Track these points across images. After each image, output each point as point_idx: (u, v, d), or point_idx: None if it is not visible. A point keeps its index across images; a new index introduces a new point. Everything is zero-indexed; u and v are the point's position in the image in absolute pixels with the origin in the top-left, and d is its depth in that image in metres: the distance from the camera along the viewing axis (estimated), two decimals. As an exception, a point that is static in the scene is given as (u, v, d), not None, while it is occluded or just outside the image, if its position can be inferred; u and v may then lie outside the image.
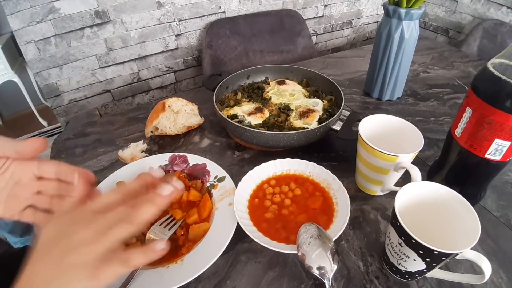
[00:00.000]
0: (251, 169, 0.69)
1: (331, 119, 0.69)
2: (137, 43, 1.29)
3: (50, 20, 1.08)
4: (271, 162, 0.63)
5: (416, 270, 0.47)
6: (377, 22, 1.89)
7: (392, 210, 0.47)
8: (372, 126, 0.63)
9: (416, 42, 0.82)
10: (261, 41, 1.35)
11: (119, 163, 0.72)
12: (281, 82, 0.85)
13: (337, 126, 0.70)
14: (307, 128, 0.71)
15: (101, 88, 1.31)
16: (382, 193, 0.65)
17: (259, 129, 0.69)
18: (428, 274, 0.49)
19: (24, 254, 0.31)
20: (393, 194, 0.64)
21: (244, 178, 0.60)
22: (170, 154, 0.68)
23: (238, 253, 0.55)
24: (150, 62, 1.36)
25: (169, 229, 0.54)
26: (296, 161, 0.64)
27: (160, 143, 0.77)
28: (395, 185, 0.62)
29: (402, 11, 0.78)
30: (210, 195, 0.61)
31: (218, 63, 1.28)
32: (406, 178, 0.57)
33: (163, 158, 0.68)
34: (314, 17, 1.64)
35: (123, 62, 1.30)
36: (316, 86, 0.85)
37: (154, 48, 1.34)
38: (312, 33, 1.65)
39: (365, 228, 0.59)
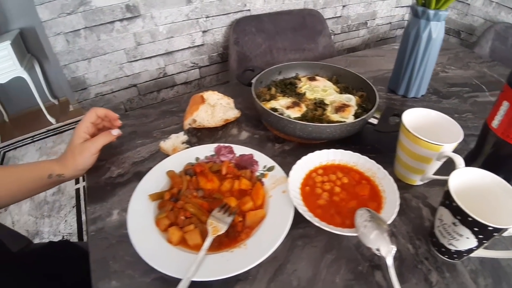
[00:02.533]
0: (293, 160, 0.73)
1: (370, 112, 0.74)
2: (165, 39, 1.32)
3: (80, 12, 1.10)
4: (317, 152, 0.68)
5: (466, 248, 0.53)
6: (390, 23, 2.01)
7: (446, 193, 0.53)
8: (413, 119, 0.69)
9: (441, 42, 0.89)
10: (284, 39, 1.42)
11: (160, 154, 0.75)
12: (312, 79, 0.90)
13: (373, 120, 0.76)
14: (344, 121, 0.76)
15: (128, 83, 1.34)
16: (421, 183, 0.70)
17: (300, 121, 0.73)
18: (473, 254, 0.55)
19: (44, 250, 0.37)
20: (431, 183, 0.70)
21: (294, 167, 0.64)
22: (215, 144, 0.72)
23: (294, 239, 0.59)
24: (177, 57, 1.39)
25: (228, 216, 0.58)
26: (340, 151, 0.69)
27: (199, 135, 0.80)
28: (434, 174, 0.68)
29: (431, 12, 0.85)
30: (262, 183, 0.64)
31: (244, 59, 1.33)
32: (441, 169, 0.63)
33: (209, 149, 0.71)
34: (333, 17, 1.72)
35: (150, 57, 1.33)
36: (345, 83, 0.91)
37: (181, 43, 1.38)
38: (330, 33, 1.73)
39: (409, 214, 0.64)
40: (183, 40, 1.37)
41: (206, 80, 1.53)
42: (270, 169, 0.67)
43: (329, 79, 0.93)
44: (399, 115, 0.78)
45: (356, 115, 0.79)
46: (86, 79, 1.23)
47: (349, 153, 0.69)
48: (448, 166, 0.63)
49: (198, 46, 1.41)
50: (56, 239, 1.56)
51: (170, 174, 0.65)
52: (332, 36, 1.79)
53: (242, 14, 1.45)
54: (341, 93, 0.88)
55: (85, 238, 1.54)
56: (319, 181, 0.65)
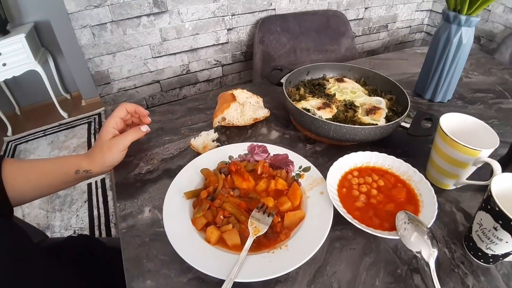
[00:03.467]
0: (325, 161, 0.74)
1: (403, 115, 0.75)
2: (190, 35, 1.32)
3: (108, 5, 1.09)
4: (353, 154, 0.68)
5: (503, 252, 0.54)
6: (410, 27, 2.02)
7: (487, 198, 0.53)
8: (449, 123, 0.69)
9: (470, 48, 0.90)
10: (308, 39, 1.42)
11: (189, 152, 0.75)
12: (340, 80, 0.91)
13: (405, 124, 0.76)
14: (376, 124, 0.77)
15: (151, 78, 1.33)
16: (453, 187, 0.71)
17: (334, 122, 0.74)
18: (508, 258, 0.55)
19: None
20: (463, 188, 0.70)
21: (331, 168, 0.65)
22: (249, 143, 0.72)
23: (332, 240, 0.59)
24: (201, 54, 1.39)
25: (267, 216, 0.58)
26: (376, 153, 0.69)
27: (228, 133, 0.80)
28: (467, 179, 0.69)
29: (463, 17, 0.85)
30: (298, 183, 0.64)
31: (269, 58, 1.33)
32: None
33: (242, 147, 0.71)
34: (355, 19, 1.73)
35: (175, 53, 1.32)
36: (374, 85, 0.91)
37: (205, 41, 1.38)
38: (353, 35, 1.74)
39: (443, 219, 0.65)
40: (208, 37, 1.38)
41: (228, 78, 1.53)
42: (306, 169, 0.67)
43: (357, 81, 0.93)
44: (431, 119, 0.78)
45: (387, 118, 0.79)
46: (110, 74, 1.22)
47: (384, 155, 0.69)
48: (477, 171, 0.65)
49: (222, 44, 1.42)
50: (67, 233, 1.56)
51: (205, 172, 0.65)
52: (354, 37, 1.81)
53: (267, 13, 1.46)
54: (369, 95, 0.88)
55: (96, 233, 1.53)
56: (355, 183, 0.65)
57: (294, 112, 0.76)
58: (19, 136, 2.28)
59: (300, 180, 0.65)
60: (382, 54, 1.25)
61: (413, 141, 0.79)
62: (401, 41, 2.08)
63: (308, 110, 0.78)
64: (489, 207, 0.53)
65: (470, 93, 1.03)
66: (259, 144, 0.72)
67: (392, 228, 0.58)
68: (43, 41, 2.32)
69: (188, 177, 0.65)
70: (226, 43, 1.42)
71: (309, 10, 1.58)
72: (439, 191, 0.70)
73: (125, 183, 0.69)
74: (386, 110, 0.81)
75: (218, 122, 0.80)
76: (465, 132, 0.70)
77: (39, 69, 2.10)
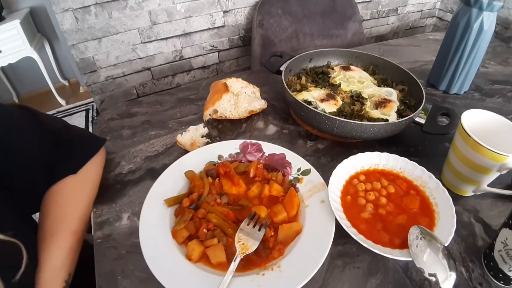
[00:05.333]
0: (328, 161, 0.62)
1: (417, 111, 0.62)
2: (183, 18, 1.15)
3: None
4: (359, 155, 0.56)
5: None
6: (421, 11, 1.83)
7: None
8: (472, 121, 0.57)
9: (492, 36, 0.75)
10: (312, 23, 1.25)
11: (176, 148, 0.64)
12: (346, 68, 0.77)
13: (420, 119, 0.63)
14: (386, 119, 0.64)
15: (141, 65, 1.18)
16: (472, 193, 0.59)
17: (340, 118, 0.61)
18: None
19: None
20: (483, 194, 0.58)
21: (335, 172, 0.53)
22: (241, 141, 0.60)
23: (333, 257, 0.48)
24: (195, 39, 1.23)
25: (259, 229, 0.47)
26: (386, 155, 0.57)
27: (220, 127, 0.68)
28: (489, 185, 0.57)
29: (485, 1, 0.71)
30: (296, 189, 0.53)
31: (269, 44, 1.17)
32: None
33: (233, 145, 0.59)
34: (363, 2, 1.54)
35: (166, 38, 1.16)
36: (384, 75, 0.78)
37: (200, 24, 1.21)
38: (361, 18, 1.55)
39: (460, 231, 0.53)
40: (202, 21, 1.20)
41: (225, 65, 1.37)
42: (305, 172, 0.55)
43: (365, 69, 0.79)
44: (448, 115, 0.66)
45: (398, 112, 0.66)
46: (96, 61, 1.07)
47: (395, 157, 0.57)
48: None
49: (218, 27, 1.25)
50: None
51: (189, 175, 0.54)
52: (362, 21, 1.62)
53: None
54: (379, 85, 0.75)
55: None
56: (362, 190, 0.54)
57: (294, 105, 0.63)
58: (17, 125, 2.13)
59: (298, 185, 0.54)
60: (392, 40, 1.09)
61: (428, 139, 0.67)
62: (411, 26, 1.88)
63: (309, 103, 0.65)
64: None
65: (487, 85, 0.89)
66: (253, 142, 0.60)
67: (404, 244, 0.47)
68: (39, 26, 2.16)
69: (171, 181, 0.54)
70: (222, 26, 1.25)
71: None
72: (456, 198, 0.59)
73: (104, 185, 0.58)
74: (398, 103, 0.69)
75: (209, 115, 0.68)
76: (488, 132, 0.57)
77: (35, 55, 1.96)
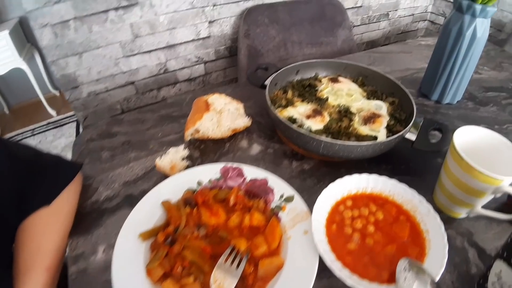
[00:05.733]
0: (314, 183, 0.58)
1: (407, 128, 0.58)
2: (166, 30, 1.10)
3: (69, 0, 0.88)
4: (346, 178, 0.52)
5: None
6: (413, 15, 1.78)
7: (509, 245, 0.38)
8: (465, 140, 0.52)
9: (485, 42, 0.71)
10: (301, 31, 1.20)
11: (156, 172, 0.60)
12: (334, 80, 0.73)
13: (410, 135, 0.59)
14: (375, 136, 0.60)
15: (124, 80, 1.12)
16: (465, 215, 0.55)
17: (325, 137, 0.57)
18: None
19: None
20: (479, 217, 0.54)
21: (319, 199, 0.49)
22: (221, 164, 0.56)
23: (317, 292, 0.44)
24: (179, 51, 1.17)
25: (237, 267, 0.43)
26: (374, 177, 0.53)
27: (202, 148, 0.64)
28: (483, 207, 0.53)
29: (478, 7, 0.66)
30: (278, 219, 0.49)
31: (255, 54, 1.12)
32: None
33: (214, 170, 0.55)
34: (353, 7, 1.48)
35: (149, 51, 1.11)
36: (373, 86, 0.74)
37: (184, 35, 1.15)
38: (350, 25, 1.49)
39: (453, 258, 0.49)
40: (186, 32, 1.14)
41: (212, 76, 1.31)
42: (289, 199, 0.51)
43: (354, 81, 0.75)
44: (440, 130, 0.61)
45: (388, 128, 0.62)
46: (78, 77, 1.01)
47: (384, 179, 0.53)
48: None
49: (203, 38, 1.19)
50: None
51: (166, 205, 0.50)
52: (352, 28, 1.56)
53: (253, 2, 1.21)
54: (368, 98, 0.70)
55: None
56: (348, 217, 0.49)
57: (278, 124, 0.59)
58: (8, 136, 2.07)
59: (280, 213, 0.50)
60: (383, 46, 1.04)
61: (419, 155, 0.63)
62: (403, 30, 1.82)
63: (294, 120, 0.61)
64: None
65: (481, 92, 0.84)
66: (234, 165, 0.55)
67: (392, 278, 0.43)
68: (28, 36, 2.07)
69: (147, 211, 0.50)
70: (208, 37, 1.19)
71: None
72: (449, 220, 0.55)
73: (80, 213, 0.54)
74: (388, 118, 0.64)
75: (191, 135, 0.64)
76: (482, 151, 0.54)
77: (24, 66, 1.88)
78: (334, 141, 0.54)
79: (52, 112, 2.21)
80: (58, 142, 1.95)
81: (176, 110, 0.73)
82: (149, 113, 0.73)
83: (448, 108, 0.77)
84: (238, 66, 1.13)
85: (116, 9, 0.95)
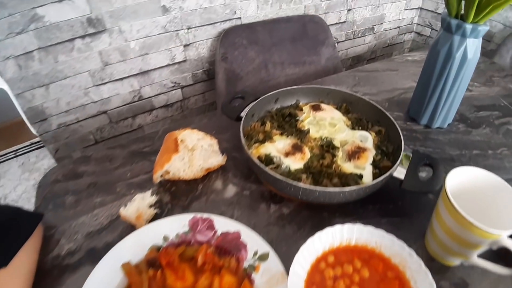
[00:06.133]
0: (294, 231, 0.51)
1: (393, 167, 0.51)
2: (138, 56, 1.02)
3: (32, 30, 0.80)
4: (329, 230, 0.45)
5: None
6: (398, 27, 1.72)
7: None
8: (459, 181, 0.46)
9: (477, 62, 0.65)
10: (282, 51, 1.13)
11: (122, 221, 0.53)
12: (316, 108, 0.66)
13: (399, 173, 0.53)
14: (360, 174, 0.54)
15: (96, 109, 1.04)
16: (459, 263, 0.48)
17: (304, 180, 0.51)
18: None
19: None
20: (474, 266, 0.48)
21: (297, 258, 0.42)
22: (191, 215, 0.49)
23: None
24: (154, 77, 1.09)
25: None
26: (359, 227, 0.46)
27: (173, 190, 0.57)
28: (479, 256, 0.47)
29: (468, 27, 0.60)
30: (251, 281, 0.42)
31: (234, 78, 1.04)
32: None
33: (182, 222, 0.49)
34: (336, 23, 1.42)
35: (121, 79, 1.02)
36: (358, 112, 0.67)
37: (158, 61, 1.07)
38: (334, 40, 1.41)
39: (448, 316, 0.43)
40: (160, 57, 1.06)
41: (190, 101, 1.23)
42: (263, 257, 0.44)
43: (338, 108, 0.68)
44: (431, 166, 0.55)
45: (374, 164, 0.56)
46: (45, 109, 0.94)
47: (369, 230, 0.46)
48: None
49: (179, 62, 1.11)
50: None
51: (126, 269, 0.43)
52: (336, 44, 1.50)
53: (231, 23, 1.13)
54: (353, 127, 0.64)
55: None
56: (330, 277, 0.43)
57: (252, 165, 0.52)
58: (-9, 158, 1.97)
59: (254, 275, 0.43)
60: (368, 64, 0.98)
61: (409, 192, 0.57)
62: (389, 43, 1.75)
63: (271, 160, 0.54)
64: None
65: (472, 112, 0.78)
66: (204, 216, 0.49)
67: None
68: None
69: (107, 275, 0.43)
70: (184, 61, 1.11)
71: (282, 16, 1.23)
72: (442, 269, 0.48)
73: (40, 270, 0.47)
74: (373, 151, 0.58)
75: (161, 176, 0.57)
76: (478, 193, 0.47)
77: (5, 86, 1.80)
78: (314, 187, 0.47)
79: (35, 132, 2.10)
80: (41, 163, 1.85)
81: (147, 145, 0.66)
82: (119, 148, 0.66)
83: (438, 133, 0.71)
84: (216, 91, 1.05)
85: (83, 37, 0.87)
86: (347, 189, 0.48)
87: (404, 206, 0.55)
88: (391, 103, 0.78)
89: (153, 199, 0.54)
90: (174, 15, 0.98)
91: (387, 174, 0.50)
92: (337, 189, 0.47)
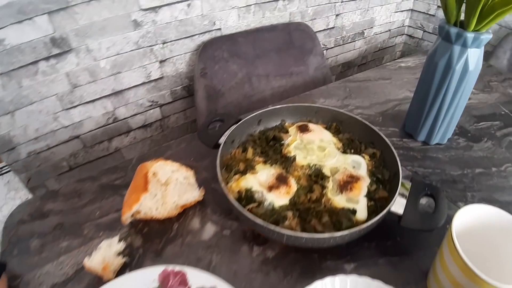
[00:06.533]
0: (279, 279, 0.44)
1: (391, 203, 0.44)
2: (110, 75, 0.91)
3: None
4: (318, 284, 0.38)
5: None
6: (389, 30, 1.60)
7: None
8: (465, 220, 0.39)
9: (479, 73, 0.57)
10: (267, 63, 1.03)
11: (88, 273, 0.45)
12: (303, 129, 0.58)
13: (397, 206, 0.45)
14: (353, 209, 0.46)
15: (68, 135, 0.93)
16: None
17: (291, 220, 0.43)
18: None
19: None
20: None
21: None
22: (161, 268, 0.41)
23: None
24: (128, 97, 0.98)
25: None
26: (353, 280, 0.39)
27: (145, 232, 0.50)
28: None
29: (470, 36, 0.52)
30: None
31: (215, 95, 0.96)
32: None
33: (151, 277, 0.41)
34: (325, 29, 1.31)
35: (93, 100, 0.92)
36: (350, 132, 0.59)
37: (132, 79, 0.96)
38: (322, 48, 1.30)
39: None
40: (134, 75, 0.95)
41: (170, 120, 1.12)
42: (243, 322, 0.37)
43: (327, 127, 0.61)
44: (433, 197, 0.48)
45: (369, 194, 0.48)
46: (13, 137, 0.85)
47: (365, 281, 0.39)
48: None
49: (155, 80, 1.00)
50: None
51: None
52: (324, 52, 1.40)
53: (210, 35, 1.02)
54: (344, 150, 0.56)
55: None
56: None
57: (231, 205, 0.45)
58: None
59: None
60: (359, 73, 0.89)
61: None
62: (380, 47, 1.64)
63: (252, 196, 0.47)
64: None
65: (472, 124, 0.71)
66: (176, 269, 0.41)
67: None
68: None
69: None
70: (161, 78, 1.00)
71: (266, 25, 1.11)
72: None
73: None
74: (368, 180, 0.50)
75: (131, 216, 0.49)
76: (488, 231, 0.40)
77: None
78: (300, 234, 0.40)
79: (4, 161, 1.98)
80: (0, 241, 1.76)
81: (119, 177, 0.58)
82: (89, 181, 0.58)
83: (437, 150, 0.63)
84: (197, 110, 0.94)
85: (47, 58, 0.77)
86: (338, 234, 0.40)
87: (404, 242, 0.48)
88: (385, 117, 0.71)
89: (121, 246, 0.46)
90: (147, 29, 0.88)
91: (384, 212, 0.42)
92: (326, 235, 0.40)
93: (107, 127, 0.94)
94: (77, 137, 0.90)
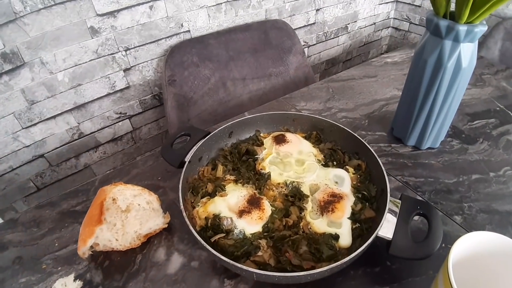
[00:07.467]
0: (253, 321, 0.36)
1: (379, 227, 0.35)
2: (70, 88, 0.79)
3: None
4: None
5: None
6: (374, 24, 1.46)
7: None
8: (464, 248, 0.31)
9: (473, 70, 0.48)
10: (242, 65, 0.91)
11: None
12: (280, 140, 0.50)
13: (386, 229, 0.37)
14: (336, 234, 0.38)
15: (31, 154, 0.82)
16: None
17: (264, 250, 0.35)
18: None
19: None
20: None
21: None
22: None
23: None
24: (93, 110, 0.86)
25: None
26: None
27: (105, 267, 0.42)
28: None
29: (462, 29, 0.43)
30: None
31: (186, 103, 0.84)
32: None
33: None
34: (305, 26, 1.18)
35: (54, 116, 0.81)
36: (332, 141, 0.51)
37: (95, 91, 0.84)
38: (304, 45, 1.21)
39: None
40: (97, 86, 0.83)
41: (142, 131, 1.00)
42: None
43: (306, 136, 0.52)
44: (426, 216, 0.39)
45: (354, 216, 0.40)
46: None
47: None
48: None
49: (121, 90, 0.88)
50: None
51: None
52: (306, 49, 1.27)
53: (178, 39, 0.89)
54: (326, 162, 0.48)
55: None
56: None
57: (195, 240, 0.36)
58: None
59: None
60: (343, 71, 0.80)
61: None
62: (365, 42, 1.50)
63: (219, 225, 0.38)
64: None
65: (466, 123, 0.62)
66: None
67: None
68: None
69: None
70: (127, 88, 0.88)
71: (239, 24, 0.98)
72: None
73: None
74: (352, 199, 0.42)
75: (90, 248, 0.41)
76: (489, 257, 0.32)
77: None
78: (271, 274, 0.32)
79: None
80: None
81: (80, 202, 0.50)
82: (49, 208, 0.50)
83: (429, 155, 0.55)
84: (168, 120, 0.82)
85: None
86: (316, 271, 0.32)
87: (395, 268, 0.40)
88: (372, 120, 0.62)
89: (77, 284, 0.38)
90: (106, 36, 0.77)
91: (370, 240, 0.34)
92: (302, 274, 0.32)
93: (72, 143, 0.83)
94: (41, 156, 0.80)
